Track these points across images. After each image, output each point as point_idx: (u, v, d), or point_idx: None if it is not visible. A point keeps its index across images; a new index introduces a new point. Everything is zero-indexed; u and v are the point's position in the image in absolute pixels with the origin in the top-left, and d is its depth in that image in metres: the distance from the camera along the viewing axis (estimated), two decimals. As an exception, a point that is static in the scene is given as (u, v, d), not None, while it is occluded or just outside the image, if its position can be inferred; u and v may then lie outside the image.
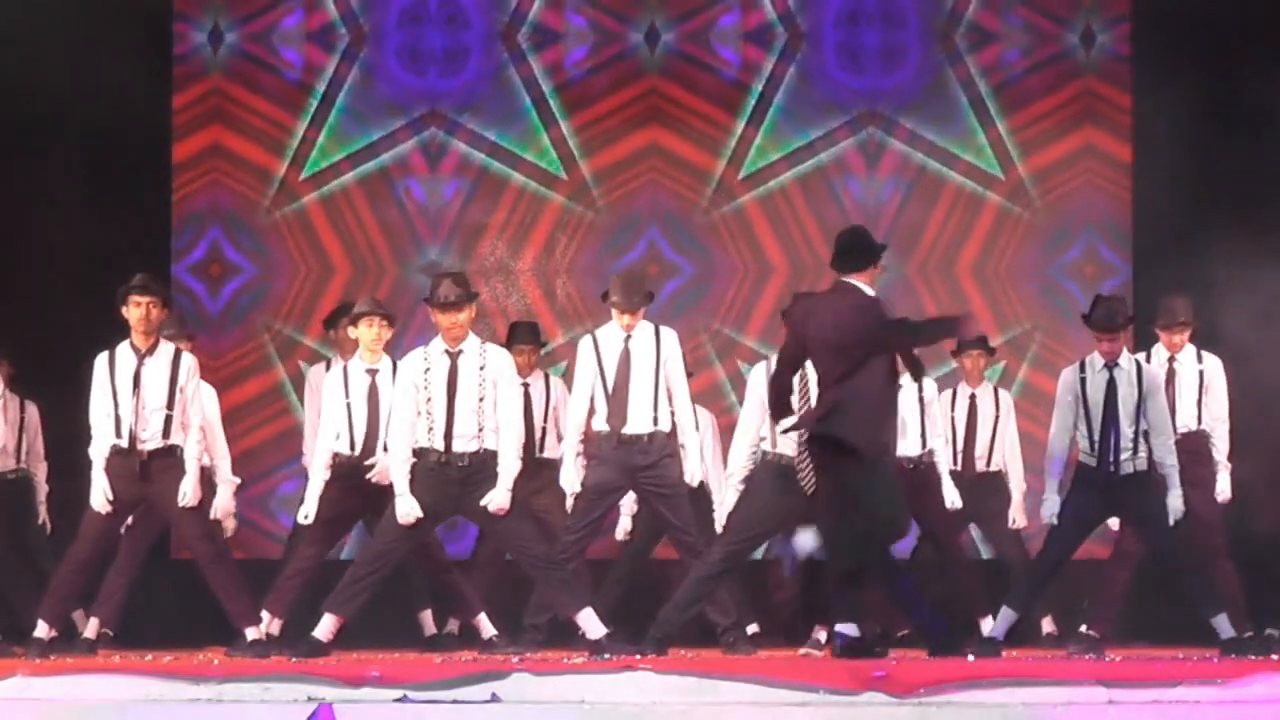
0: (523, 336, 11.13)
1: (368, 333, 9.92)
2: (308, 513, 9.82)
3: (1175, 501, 9.41)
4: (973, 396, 11.33)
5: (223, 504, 10.23)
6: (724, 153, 12.80)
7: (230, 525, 10.46)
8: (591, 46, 12.88)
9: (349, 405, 9.90)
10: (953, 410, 11.25)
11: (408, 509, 9.07)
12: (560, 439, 10.52)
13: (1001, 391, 11.46)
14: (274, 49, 12.88)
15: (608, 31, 12.89)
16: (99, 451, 9.36)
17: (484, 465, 9.11)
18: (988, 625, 10.21)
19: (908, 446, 10.49)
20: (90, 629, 10.27)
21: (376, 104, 12.87)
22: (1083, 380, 9.49)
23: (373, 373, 9.93)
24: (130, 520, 9.97)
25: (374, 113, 12.86)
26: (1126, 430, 9.37)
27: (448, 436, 9.11)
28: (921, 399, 10.64)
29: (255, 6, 12.90)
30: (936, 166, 12.79)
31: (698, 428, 9.99)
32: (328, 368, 10.83)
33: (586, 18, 12.88)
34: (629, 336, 9.75)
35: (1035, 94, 12.80)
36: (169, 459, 9.36)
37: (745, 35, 12.87)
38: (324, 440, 9.91)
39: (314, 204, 12.83)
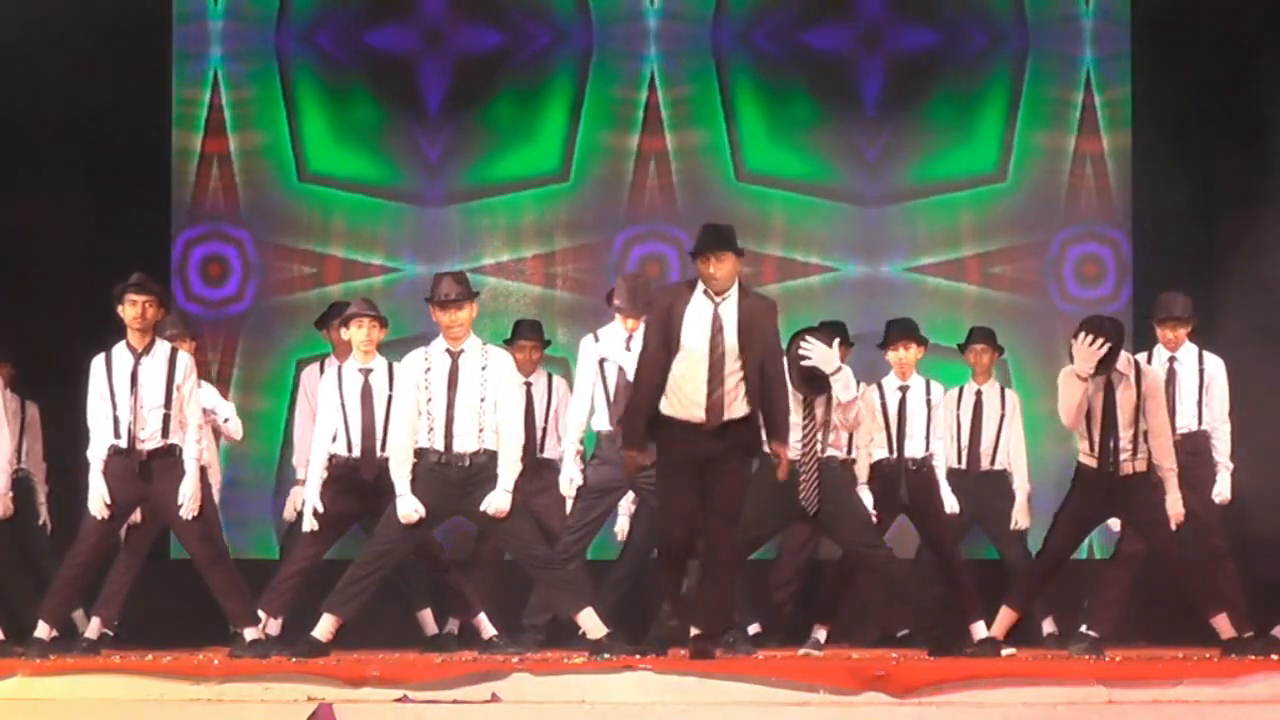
0: (526, 333, 11.12)
1: (358, 334, 9.93)
2: (314, 509, 9.78)
3: (1175, 506, 9.37)
4: (979, 393, 11.24)
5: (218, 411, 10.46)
6: (723, 151, 12.81)
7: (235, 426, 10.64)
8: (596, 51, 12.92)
9: (344, 406, 9.91)
10: (959, 408, 11.19)
11: (409, 509, 9.06)
12: (560, 439, 10.51)
13: (1009, 391, 11.37)
14: (274, 47, 12.88)
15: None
16: (97, 454, 9.34)
17: (485, 466, 9.09)
18: (981, 629, 10.20)
19: (912, 448, 10.48)
20: (92, 629, 10.27)
21: (384, 100, 12.89)
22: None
23: (366, 373, 9.93)
24: (132, 518, 9.97)
25: (379, 109, 12.88)
26: (1125, 431, 9.35)
27: (448, 437, 9.10)
28: (929, 400, 10.59)
29: (253, 5, 12.90)
30: (934, 163, 12.82)
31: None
32: (320, 369, 10.81)
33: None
34: (631, 338, 9.74)
35: (1034, 91, 12.79)
36: (168, 458, 9.34)
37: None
38: (320, 442, 9.91)
39: (318, 207, 12.84)
